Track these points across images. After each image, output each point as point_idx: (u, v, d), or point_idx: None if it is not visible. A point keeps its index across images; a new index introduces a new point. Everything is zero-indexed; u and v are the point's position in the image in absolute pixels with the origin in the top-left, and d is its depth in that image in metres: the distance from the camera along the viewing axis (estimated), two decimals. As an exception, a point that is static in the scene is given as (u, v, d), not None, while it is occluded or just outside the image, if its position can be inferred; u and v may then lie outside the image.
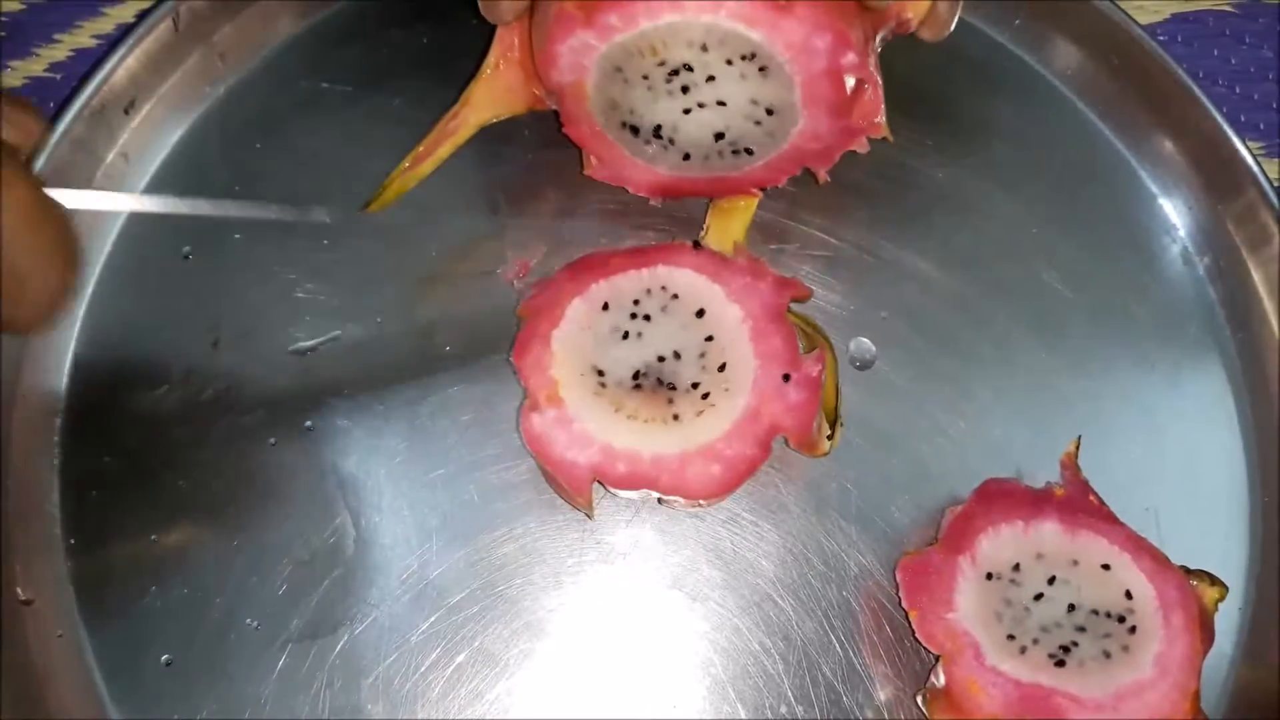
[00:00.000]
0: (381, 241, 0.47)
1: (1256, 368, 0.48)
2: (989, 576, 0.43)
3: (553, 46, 0.40)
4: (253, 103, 0.48)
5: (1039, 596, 0.42)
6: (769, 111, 0.41)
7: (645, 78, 0.41)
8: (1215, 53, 0.53)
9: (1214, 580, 0.43)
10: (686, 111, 0.42)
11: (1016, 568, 0.43)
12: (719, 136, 0.42)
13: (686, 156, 0.43)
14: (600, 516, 0.45)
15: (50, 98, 0.49)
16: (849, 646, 0.44)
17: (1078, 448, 0.46)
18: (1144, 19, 0.53)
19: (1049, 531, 0.43)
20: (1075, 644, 0.42)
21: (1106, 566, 0.43)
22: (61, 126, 0.45)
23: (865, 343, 0.47)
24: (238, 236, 0.46)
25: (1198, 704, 0.42)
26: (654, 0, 0.39)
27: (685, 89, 0.41)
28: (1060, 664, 0.42)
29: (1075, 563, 0.43)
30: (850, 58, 0.40)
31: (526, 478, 0.45)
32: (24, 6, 0.51)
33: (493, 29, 0.43)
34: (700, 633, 0.44)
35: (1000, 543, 0.43)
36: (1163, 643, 0.42)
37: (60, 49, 0.51)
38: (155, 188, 0.47)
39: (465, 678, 0.43)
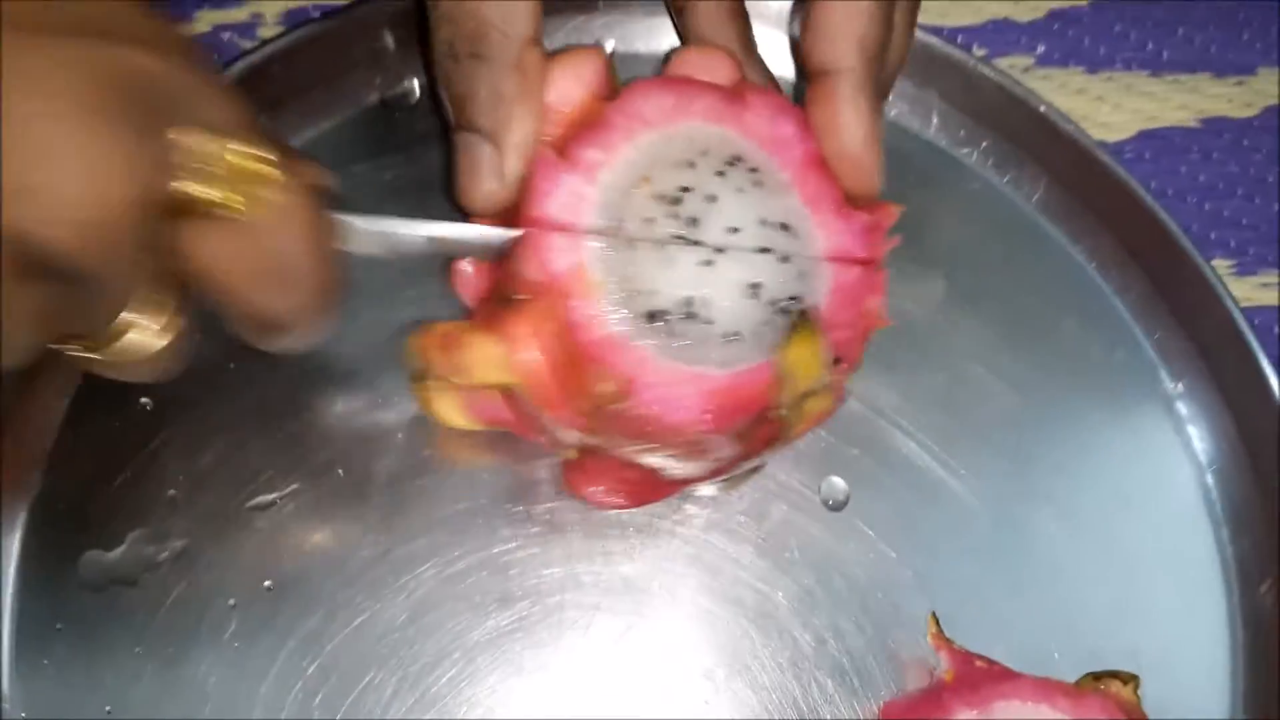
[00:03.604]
0: (328, 384, 0.46)
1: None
2: None
3: (540, 203, 0.38)
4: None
5: None
6: (784, 227, 0.39)
7: (649, 220, 0.39)
8: (1183, 169, 0.53)
9: (1123, 677, 0.43)
10: (708, 264, 0.38)
11: None
12: (755, 289, 0.39)
13: (735, 335, 0.38)
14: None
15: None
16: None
17: (937, 623, 0.45)
18: (1111, 136, 0.53)
19: None
20: None
21: None
22: None
23: (838, 482, 0.46)
24: (191, 390, 0.45)
25: None
26: (627, 122, 0.39)
27: (694, 220, 0.39)
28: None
29: None
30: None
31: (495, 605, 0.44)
32: None
33: None
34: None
35: None
36: None
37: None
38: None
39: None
